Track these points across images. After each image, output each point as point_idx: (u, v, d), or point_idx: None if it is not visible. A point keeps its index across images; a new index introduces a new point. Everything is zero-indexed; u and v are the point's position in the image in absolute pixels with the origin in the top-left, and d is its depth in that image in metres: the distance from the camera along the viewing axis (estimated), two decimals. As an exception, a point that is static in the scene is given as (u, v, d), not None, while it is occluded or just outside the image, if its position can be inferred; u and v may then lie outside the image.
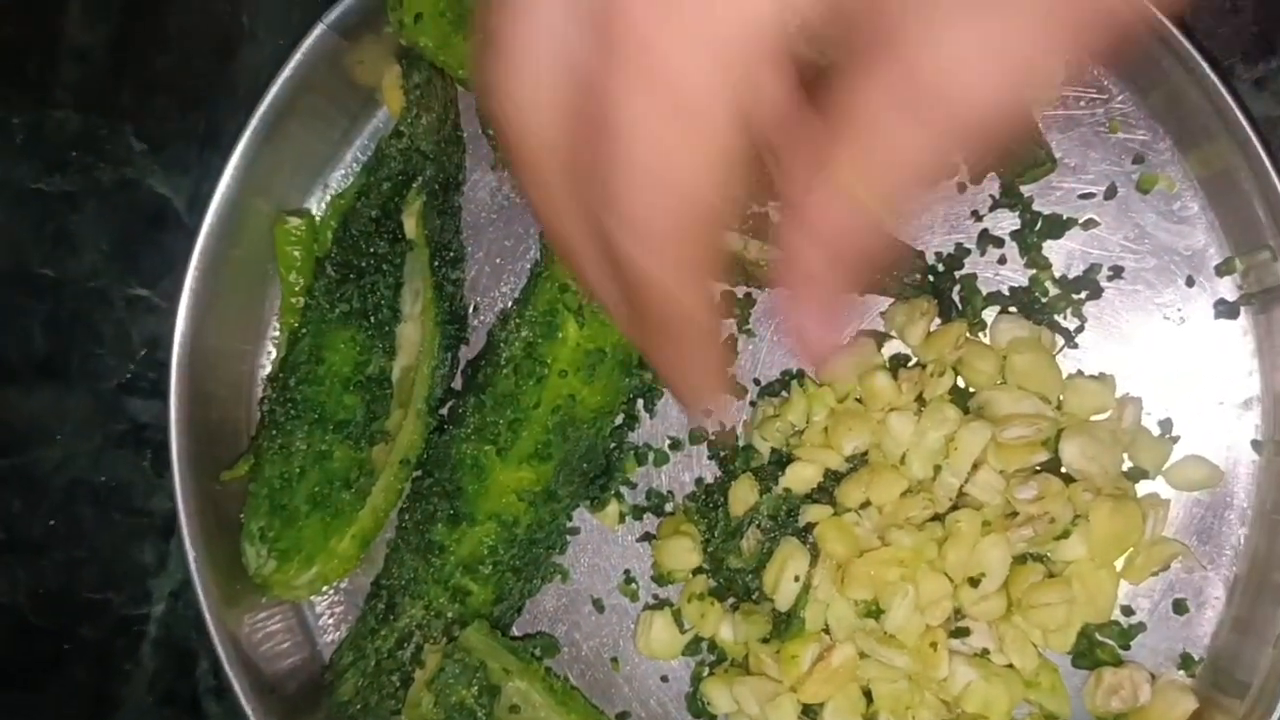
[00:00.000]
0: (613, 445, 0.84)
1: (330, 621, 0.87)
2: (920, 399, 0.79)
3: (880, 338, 0.83)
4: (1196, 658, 0.81)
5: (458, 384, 0.85)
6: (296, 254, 0.85)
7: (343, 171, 0.88)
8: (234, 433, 0.86)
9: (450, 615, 0.80)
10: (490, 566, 0.79)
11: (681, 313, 0.43)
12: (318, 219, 0.86)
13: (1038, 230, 0.83)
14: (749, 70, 0.38)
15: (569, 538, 0.85)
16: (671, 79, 0.37)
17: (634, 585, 0.85)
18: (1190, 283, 0.83)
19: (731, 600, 0.82)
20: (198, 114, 0.92)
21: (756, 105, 0.39)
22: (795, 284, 0.44)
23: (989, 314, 0.83)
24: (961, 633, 0.78)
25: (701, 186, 0.39)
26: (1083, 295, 0.83)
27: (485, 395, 0.79)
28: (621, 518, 0.85)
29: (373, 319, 0.81)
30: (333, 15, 0.80)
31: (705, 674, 0.83)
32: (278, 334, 0.87)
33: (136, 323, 0.91)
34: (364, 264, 0.81)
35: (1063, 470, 0.78)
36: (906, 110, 0.39)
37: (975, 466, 0.77)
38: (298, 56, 0.81)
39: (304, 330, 0.82)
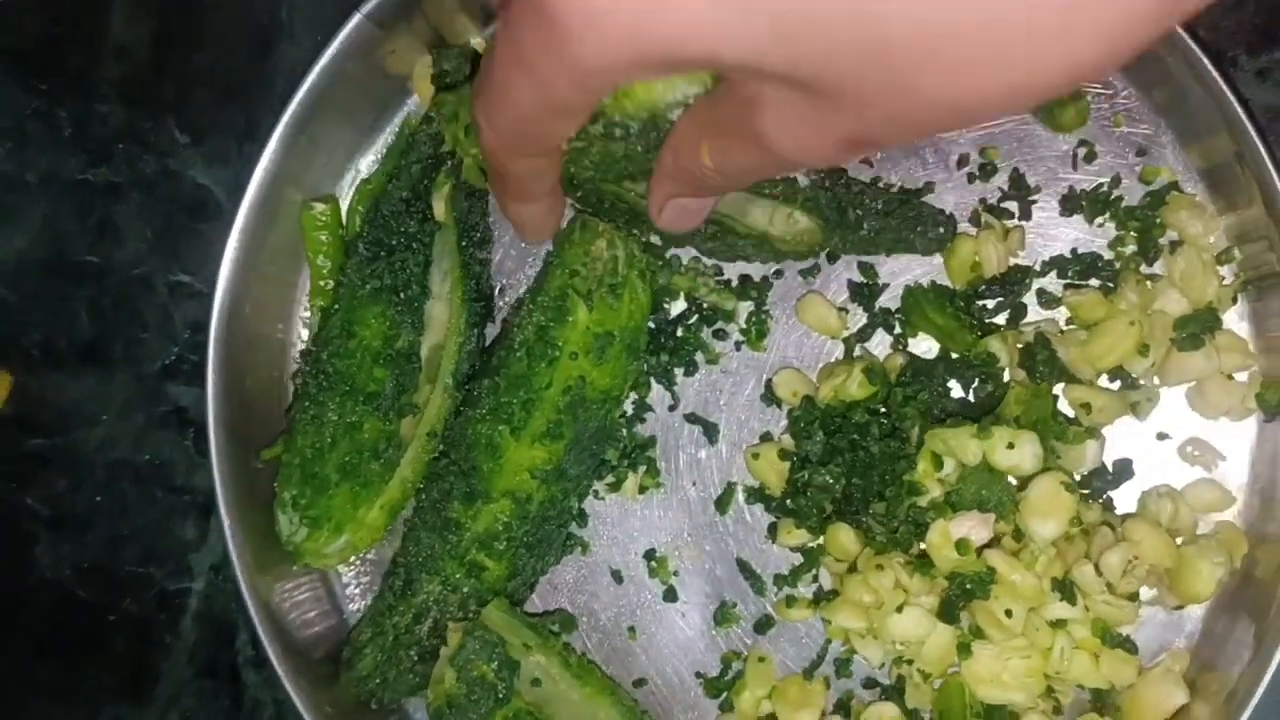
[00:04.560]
0: (623, 431, 0.88)
1: (356, 591, 0.91)
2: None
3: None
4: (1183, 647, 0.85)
5: (485, 363, 0.88)
6: (324, 238, 0.88)
7: (372, 158, 0.91)
8: (270, 411, 0.89)
9: (466, 590, 0.83)
10: (504, 542, 0.82)
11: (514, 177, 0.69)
12: (345, 204, 0.90)
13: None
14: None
15: (588, 512, 0.89)
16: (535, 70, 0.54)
17: (661, 562, 0.89)
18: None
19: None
20: (237, 107, 0.95)
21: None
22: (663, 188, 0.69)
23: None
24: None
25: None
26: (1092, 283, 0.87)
27: (499, 377, 0.82)
28: (642, 489, 0.89)
29: (402, 295, 0.84)
30: (369, 5, 0.83)
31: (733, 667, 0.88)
32: (309, 315, 0.90)
33: (179, 308, 0.95)
34: (394, 242, 0.85)
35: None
36: (741, 141, 0.58)
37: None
38: (334, 46, 0.84)
39: (336, 306, 0.85)
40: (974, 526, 0.79)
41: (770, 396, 0.88)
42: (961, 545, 0.78)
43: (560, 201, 0.78)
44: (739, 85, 0.55)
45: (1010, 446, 0.78)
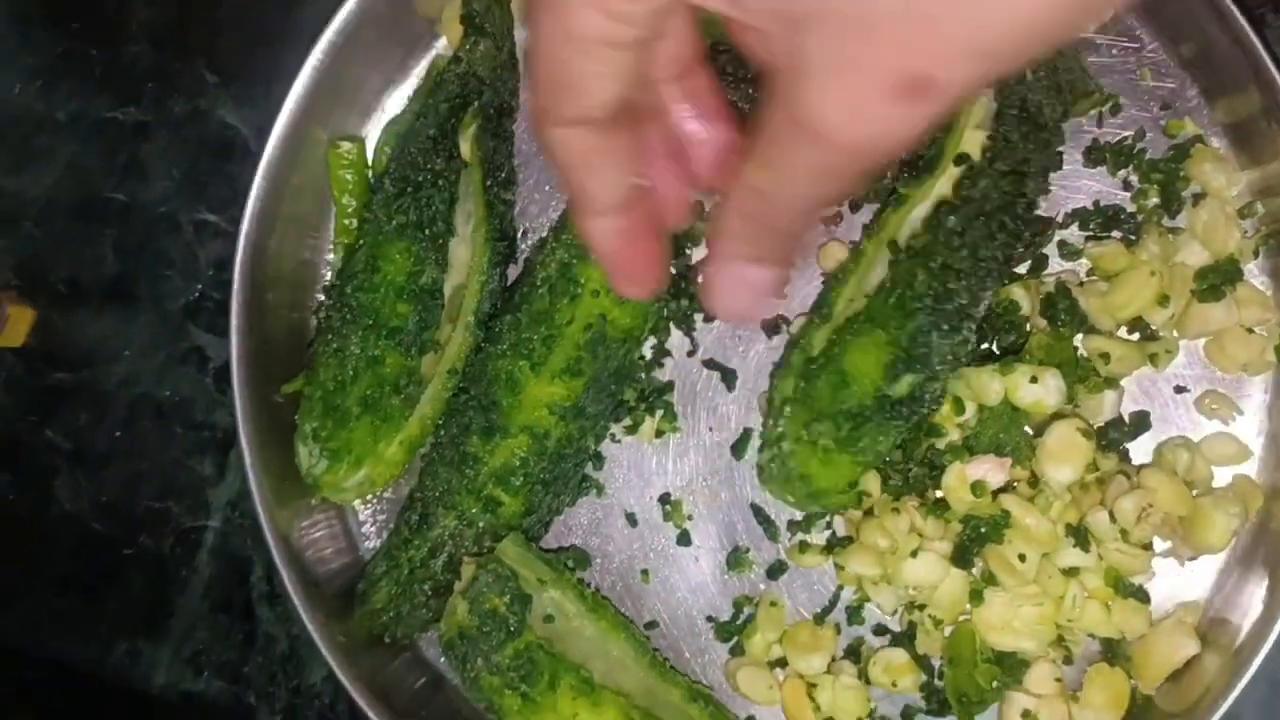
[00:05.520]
0: (642, 375, 0.89)
1: (373, 529, 0.91)
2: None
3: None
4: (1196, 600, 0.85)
5: (507, 303, 0.89)
6: (349, 177, 0.89)
7: (399, 100, 0.91)
8: (292, 349, 0.90)
9: (481, 525, 0.83)
10: (521, 478, 0.83)
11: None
12: (371, 145, 0.90)
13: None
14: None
15: (604, 454, 0.89)
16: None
17: (676, 506, 0.89)
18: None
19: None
20: (266, 50, 0.95)
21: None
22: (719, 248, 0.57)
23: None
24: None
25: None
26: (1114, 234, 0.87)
27: (521, 313, 0.83)
28: (659, 433, 0.89)
29: (427, 231, 0.85)
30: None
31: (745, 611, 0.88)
32: (333, 255, 0.91)
33: (204, 246, 0.96)
34: (421, 179, 0.85)
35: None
36: (790, 136, 0.49)
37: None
38: (362, -13, 0.84)
39: (361, 242, 0.86)
40: (990, 469, 0.79)
41: (789, 343, 0.88)
42: (977, 487, 0.79)
43: None
44: (776, 57, 0.49)
45: (1033, 381, 0.78)
